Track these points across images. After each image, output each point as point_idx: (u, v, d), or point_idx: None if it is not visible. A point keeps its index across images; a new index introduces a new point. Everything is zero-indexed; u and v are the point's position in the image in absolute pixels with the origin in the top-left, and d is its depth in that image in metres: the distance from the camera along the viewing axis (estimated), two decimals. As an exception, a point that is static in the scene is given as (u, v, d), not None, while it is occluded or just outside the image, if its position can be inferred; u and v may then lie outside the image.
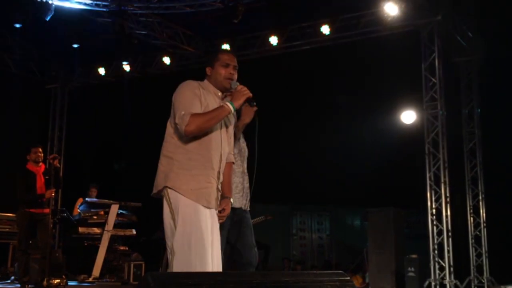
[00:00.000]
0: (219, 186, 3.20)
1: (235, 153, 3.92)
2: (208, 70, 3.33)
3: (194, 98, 3.13)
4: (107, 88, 11.70)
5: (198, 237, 2.98)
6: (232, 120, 3.38)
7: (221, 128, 3.24)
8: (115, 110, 11.22)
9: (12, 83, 11.09)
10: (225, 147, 3.26)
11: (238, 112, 3.66)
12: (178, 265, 2.94)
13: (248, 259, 3.96)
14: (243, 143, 4.10)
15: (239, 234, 3.95)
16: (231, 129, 3.35)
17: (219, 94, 3.30)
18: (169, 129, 3.20)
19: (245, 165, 4.10)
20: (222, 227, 3.77)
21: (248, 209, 4.07)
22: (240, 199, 3.98)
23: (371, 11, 9.12)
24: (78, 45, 10.05)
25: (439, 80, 8.62)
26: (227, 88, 3.29)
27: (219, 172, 3.19)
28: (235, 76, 3.30)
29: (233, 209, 3.86)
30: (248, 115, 3.85)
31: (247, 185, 4.06)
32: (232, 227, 3.94)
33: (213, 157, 3.16)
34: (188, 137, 3.11)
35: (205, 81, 3.34)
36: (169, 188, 3.07)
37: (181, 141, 3.13)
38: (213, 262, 3.06)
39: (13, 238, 8.23)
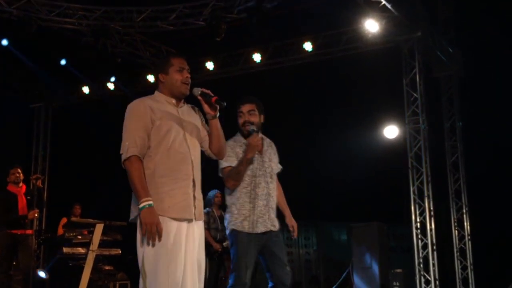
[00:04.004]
0: (197, 194, 3.08)
1: (259, 175, 3.90)
2: (161, 76, 3.17)
3: (139, 125, 3.00)
4: (91, 107, 11.68)
5: (169, 256, 2.90)
6: (191, 123, 3.18)
7: (184, 136, 3.09)
8: (100, 129, 11.18)
9: (-5, 103, 11.04)
10: (194, 153, 3.12)
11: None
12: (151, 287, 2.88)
13: (280, 278, 3.89)
14: (268, 163, 4.00)
15: (269, 255, 3.91)
16: (195, 131, 3.18)
17: (173, 101, 3.16)
18: None
19: (271, 186, 3.98)
20: (246, 250, 3.80)
21: (277, 228, 3.97)
22: (264, 223, 3.89)
23: (352, 28, 9.26)
24: (66, 61, 10.02)
25: (420, 95, 8.73)
26: (184, 94, 3.16)
27: (193, 180, 3.07)
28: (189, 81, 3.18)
29: (260, 234, 3.86)
30: (252, 150, 3.81)
31: (273, 205, 3.98)
32: (263, 249, 3.90)
33: (183, 167, 3.04)
34: (151, 155, 3.00)
35: (155, 92, 3.21)
36: None
37: (144, 161, 3.01)
38: (187, 279, 2.97)
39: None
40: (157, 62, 3.38)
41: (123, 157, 2.99)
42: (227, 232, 3.95)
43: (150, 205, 2.90)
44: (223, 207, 7.78)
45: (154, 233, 2.88)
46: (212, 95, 3.18)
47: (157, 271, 2.89)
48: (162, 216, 2.95)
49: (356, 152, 10.78)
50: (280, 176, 4.19)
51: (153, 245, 2.91)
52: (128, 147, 2.97)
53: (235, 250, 3.87)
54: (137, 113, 3.05)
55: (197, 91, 3.18)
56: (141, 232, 2.96)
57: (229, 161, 3.86)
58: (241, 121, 3.97)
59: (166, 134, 3.03)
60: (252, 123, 3.92)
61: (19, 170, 6.95)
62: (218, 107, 3.17)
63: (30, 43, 8.85)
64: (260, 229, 3.87)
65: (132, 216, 3.05)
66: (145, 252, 2.93)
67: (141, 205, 2.90)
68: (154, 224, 2.88)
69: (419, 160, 8.65)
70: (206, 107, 3.18)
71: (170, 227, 2.95)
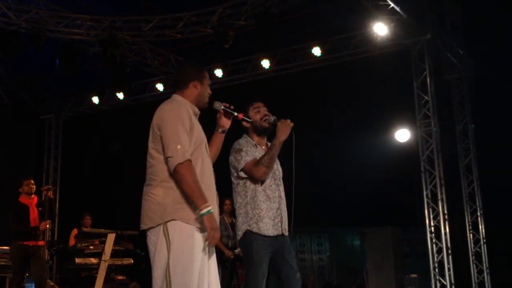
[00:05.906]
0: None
1: (269, 177, 3.78)
2: (195, 84, 3.13)
3: (184, 129, 2.91)
4: (101, 117, 11.70)
5: (198, 268, 2.85)
6: (203, 133, 3.17)
7: (206, 146, 3.10)
8: (110, 139, 11.20)
9: (5, 115, 11.10)
10: (212, 163, 3.17)
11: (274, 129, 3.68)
12: None
13: (291, 285, 3.80)
14: (276, 167, 3.88)
15: (282, 262, 3.82)
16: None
17: (196, 110, 3.14)
18: (159, 156, 2.93)
19: (281, 188, 3.87)
20: (262, 258, 3.70)
21: (287, 233, 3.89)
22: (275, 226, 3.79)
23: (361, 32, 9.22)
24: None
25: (431, 97, 8.65)
26: (204, 108, 3.19)
27: (216, 195, 3.10)
28: None
29: (273, 237, 3.76)
30: (284, 131, 3.69)
31: (284, 209, 3.87)
32: (274, 255, 3.82)
33: (210, 178, 3.04)
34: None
35: (179, 98, 3.13)
36: (173, 220, 2.85)
37: None
38: (212, 286, 2.96)
39: (9, 271, 8.13)
40: (191, 69, 3.25)
41: (178, 160, 2.83)
42: (240, 233, 3.80)
43: (211, 211, 2.84)
44: (233, 214, 7.77)
45: (217, 239, 2.84)
46: (233, 111, 3.29)
47: (185, 284, 2.79)
48: (191, 226, 2.87)
49: (368, 157, 10.71)
50: (292, 181, 4.09)
51: (186, 257, 2.82)
52: (183, 150, 2.86)
53: (250, 258, 3.75)
54: (182, 116, 2.95)
55: (219, 105, 3.26)
56: (165, 242, 2.84)
57: (250, 155, 3.76)
58: (259, 115, 3.84)
59: (200, 144, 3.01)
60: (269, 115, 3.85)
61: (33, 182, 6.95)
62: (231, 120, 3.30)
63: (39, 54, 8.86)
64: (273, 232, 3.77)
65: (153, 224, 2.89)
66: (172, 264, 2.80)
67: (204, 210, 2.82)
68: (217, 230, 2.85)
69: (432, 164, 8.56)
70: (223, 121, 3.28)
71: (199, 238, 2.89)
